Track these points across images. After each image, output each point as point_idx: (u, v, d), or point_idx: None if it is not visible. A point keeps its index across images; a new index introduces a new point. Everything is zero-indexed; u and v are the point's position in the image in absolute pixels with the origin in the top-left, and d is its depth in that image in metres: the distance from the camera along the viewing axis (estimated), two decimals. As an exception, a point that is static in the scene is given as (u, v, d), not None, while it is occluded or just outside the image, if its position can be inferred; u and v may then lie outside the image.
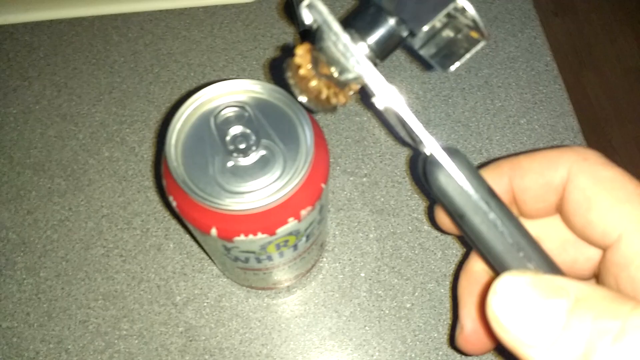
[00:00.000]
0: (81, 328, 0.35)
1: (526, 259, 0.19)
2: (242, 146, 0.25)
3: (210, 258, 0.36)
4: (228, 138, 0.25)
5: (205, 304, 0.36)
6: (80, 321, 0.35)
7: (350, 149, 0.41)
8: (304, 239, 0.28)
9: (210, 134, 0.25)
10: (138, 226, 0.38)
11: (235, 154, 0.25)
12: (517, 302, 0.16)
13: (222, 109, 0.26)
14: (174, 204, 0.25)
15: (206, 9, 0.47)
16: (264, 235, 0.25)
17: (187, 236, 0.38)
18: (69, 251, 0.37)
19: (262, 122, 0.26)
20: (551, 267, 0.19)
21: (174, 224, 0.38)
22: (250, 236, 0.25)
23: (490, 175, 0.23)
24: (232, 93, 0.26)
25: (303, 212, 0.25)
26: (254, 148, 0.25)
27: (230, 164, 0.25)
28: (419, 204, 0.38)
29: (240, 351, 0.34)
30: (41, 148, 0.41)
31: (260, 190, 0.24)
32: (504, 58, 0.43)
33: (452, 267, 0.36)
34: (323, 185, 0.26)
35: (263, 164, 0.25)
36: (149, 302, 0.36)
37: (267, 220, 0.25)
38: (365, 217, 0.38)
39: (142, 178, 0.40)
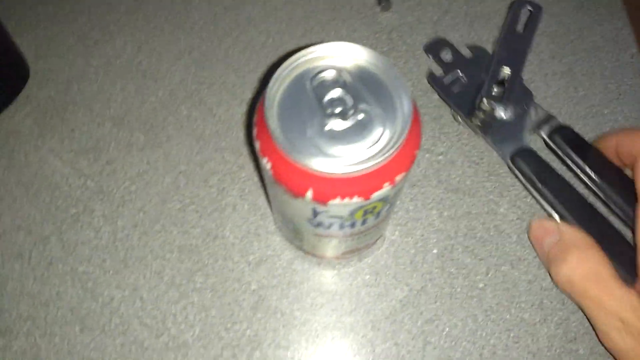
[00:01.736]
0: (156, 278, 0.35)
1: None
2: (339, 109, 0.25)
3: (277, 224, 0.36)
4: (325, 101, 0.25)
5: (277, 265, 0.36)
6: (155, 271, 0.35)
7: (427, 125, 0.40)
8: (388, 206, 0.28)
9: (307, 96, 0.25)
10: (214, 185, 0.38)
11: (333, 117, 0.25)
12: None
13: (319, 72, 0.26)
14: (269, 165, 0.25)
15: (287, -22, 0.47)
16: (359, 200, 0.25)
17: (262, 198, 0.38)
18: (147, 203, 0.37)
19: (358, 86, 0.26)
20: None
21: (249, 185, 0.38)
22: (346, 199, 0.25)
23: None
24: (328, 57, 0.26)
25: (398, 178, 0.25)
26: (351, 112, 0.25)
27: (327, 127, 0.25)
28: (495, 186, 0.38)
29: (311, 314, 0.34)
30: (121, 102, 0.41)
31: (359, 153, 0.24)
32: (588, 46, 0.43)
33: (528, 252, 0.36)
34: (416, 152, 0.26)
35: (361, 128, 0.25)
36: (223, 258, 0.36)
37: (364, 184, 0.24)
38: (440, 194, 0.38)
39: (218, 139, 0.40)
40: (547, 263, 0.33)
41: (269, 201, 0.37)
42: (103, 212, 0.37)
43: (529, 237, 0.35)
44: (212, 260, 0.36)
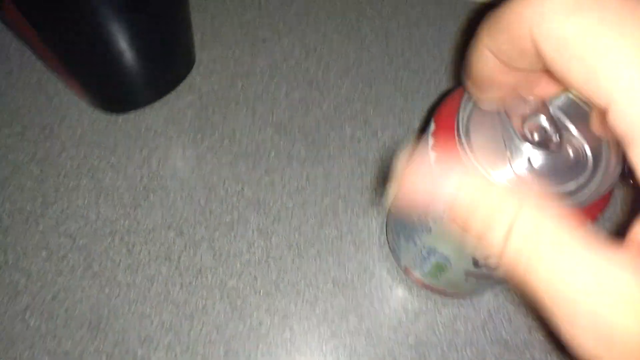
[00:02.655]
0: (308, 308, 0.32)
1: None
2: (540, 138, 0.21)
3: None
4: (524, 129, 0.22)
5: (438, 320, 0.32)
6: (307, 301, 0.32)
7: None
8: None
9: (501, 124, 0.22)
10: (374, 217, 0.35)
11: (537, 147, 0.21)
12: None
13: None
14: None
15: (466, 3, 0.43)
16: None
17: (426, 241, 0.34)
18: (303, 223, 0.35)
19: (563, 118, 0.22)
20: None
21: (414, 224, 0.35)
22: None
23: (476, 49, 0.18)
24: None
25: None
26: (556, 141, 0.21)
27: (528, 157, 0.21)
28: None
29: (471, 384, 0.31)
30: (285, 108, 0.39)
31: (567, 190, 0.21)
32: None
33: None
34: (599, 214, 0.22)
35: (569, 164, 0.21)
36: (379, 300, 0.33)
37: None
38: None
39: (382, 165, 0.37)
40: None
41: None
42: (258, 225, 0.34)
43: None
44: (368, 301, 0.33)
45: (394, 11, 0.43)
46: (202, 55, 0.40)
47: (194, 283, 0.33)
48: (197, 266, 0.33)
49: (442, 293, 0.32)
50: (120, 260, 0.33)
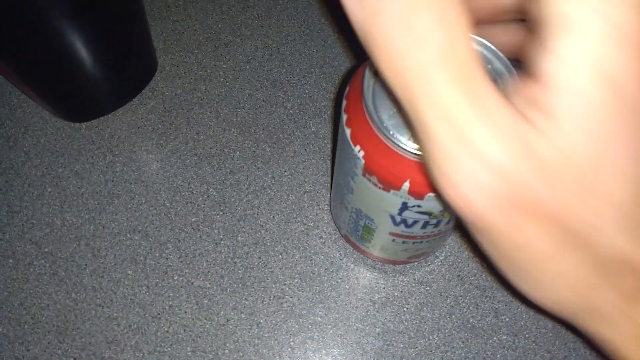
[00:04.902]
0: (275, 304, 0.32)
1: None
2: None
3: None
4: None
5: (405, 309, 0.33)
6: (275, 296, 0.33)
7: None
8: None
9: None
10: (340, 210, 0.35)
11: None
12: None
13: None
14: (361, 154, 0.23)
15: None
16: None
17: (392, 232, 0.35)
18: (269, 220, 0.35)
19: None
20: None
21: (379, 216, 0.35)
22: None
23: None
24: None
25: None
26: None
27: None
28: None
29: (439, 370, 0.31)
30: (249, 109, 0.39)
31: None
32: None
33: None
34: None
35: None
36: (346, 292, 0.33)
37: None
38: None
39: (347, 161, 0.37)
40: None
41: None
42: (224, 224, 0.35)
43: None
44: (335, 293, 0.33)
45: (355, 10, 0.44)
46: (165, 60, 0.41)
47: (160, 284, 0.33)
48: (163, 267, 0.33)
49: (383, 261, 0.33)
50: (86, 265, 0.33)
